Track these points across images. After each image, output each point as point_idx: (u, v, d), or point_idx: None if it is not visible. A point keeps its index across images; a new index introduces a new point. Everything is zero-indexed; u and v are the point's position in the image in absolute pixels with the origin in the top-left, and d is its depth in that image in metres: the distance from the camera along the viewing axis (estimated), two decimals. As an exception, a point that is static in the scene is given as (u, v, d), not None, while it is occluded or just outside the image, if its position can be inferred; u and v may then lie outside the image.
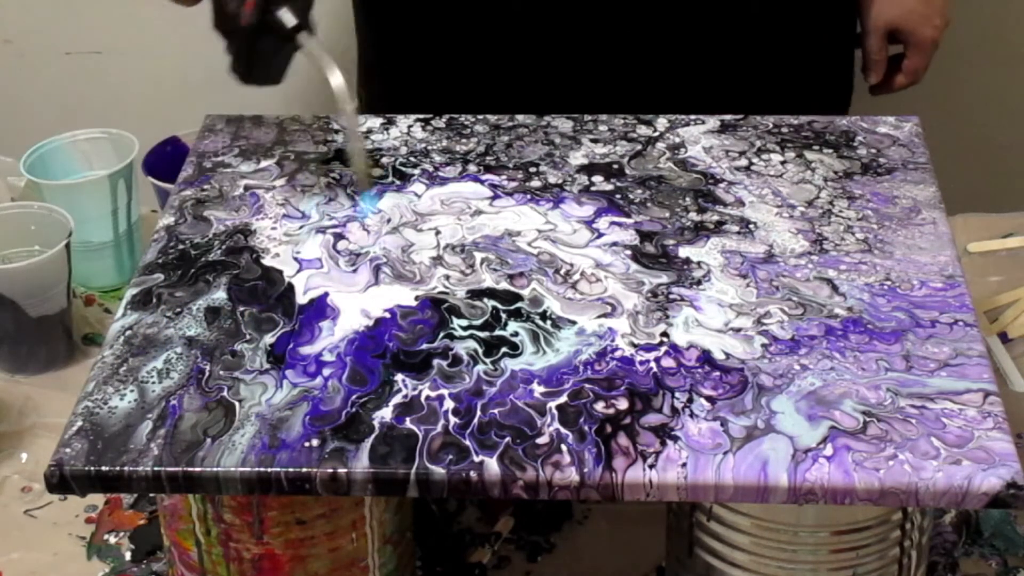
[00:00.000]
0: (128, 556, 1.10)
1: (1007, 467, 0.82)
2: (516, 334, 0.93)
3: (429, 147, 1.13)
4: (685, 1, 1.36)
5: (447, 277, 0.98)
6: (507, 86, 1.39)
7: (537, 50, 1.38)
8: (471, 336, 0.93)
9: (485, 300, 0.96)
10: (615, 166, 1.10)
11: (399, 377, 0.89)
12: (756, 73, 1.40)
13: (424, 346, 0.92)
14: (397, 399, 0.88)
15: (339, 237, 1.03)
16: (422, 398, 0.88)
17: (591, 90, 1.38)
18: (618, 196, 1.06)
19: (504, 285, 0.98)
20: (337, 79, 1.06)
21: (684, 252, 1.00)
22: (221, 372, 0.90)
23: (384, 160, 1.12)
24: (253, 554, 0.92)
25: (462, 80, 1.41)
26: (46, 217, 1.28)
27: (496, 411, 0.87)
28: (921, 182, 1.08)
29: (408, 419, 0.86)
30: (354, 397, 0.88)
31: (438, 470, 0.83)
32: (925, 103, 1.59)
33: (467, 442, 0.84)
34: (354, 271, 0.99)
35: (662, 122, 1.15)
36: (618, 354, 0.91)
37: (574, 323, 0.94)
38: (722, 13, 1.37)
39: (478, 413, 0.86)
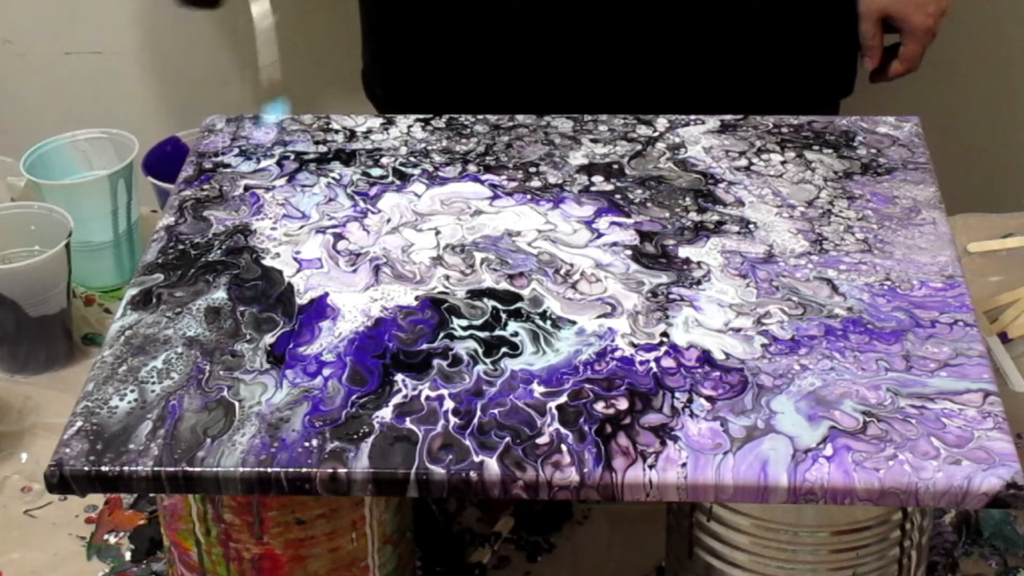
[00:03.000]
0: (128, 556, 1.10)
1: (1007, 467, 0.82)
2: (516, 334, 0.93)
3: (429, 147, 1.13)
4: (685, 0, 1.36)
5: (447, 277, 0.98)
6: (507, 86, 1.39)
7: (537, 50, 1.38)
8: (471, 336, 0.93)
9: (485, 300, 0.96)
10: (615, 166, 1.10)
11: (399, 377, 0.89)
12: (757, 67, 1.40)
13: (424, 346, 0.92)
14: (397, 399, 0.88)
15: (339, 237, 1.03)
16: (422, 398, 0.88)
17: (591, 90, 1.38)
18: (618, 196, 1.06)
19: (504, 285, 0.97)
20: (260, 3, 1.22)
21: (684, 252, 1.00)
22: (221, 372, 0.90)
23: (384, 160, 1.12)
24: (253, 554, 0.92)
25: (462, 80, 1.41)
26: (46, 217, 1.28)
27: (496, 411, 0.87)
28: (921, 182, 1.08)
29: (408, 419, 0.86)
30: (354, 397, 0.88)
31: (438, 470, 0.83)
32: (925, 103, 1.59)
33: (467, 442, 0.84)
34: (354, 271, 0.99)
35: (662, 122, 1.15)
36: (618, 354, 0.91)
37: (574, 323, 0.94)
38: (722, 11, 1.37)
39: (478, 413, 0.86)
